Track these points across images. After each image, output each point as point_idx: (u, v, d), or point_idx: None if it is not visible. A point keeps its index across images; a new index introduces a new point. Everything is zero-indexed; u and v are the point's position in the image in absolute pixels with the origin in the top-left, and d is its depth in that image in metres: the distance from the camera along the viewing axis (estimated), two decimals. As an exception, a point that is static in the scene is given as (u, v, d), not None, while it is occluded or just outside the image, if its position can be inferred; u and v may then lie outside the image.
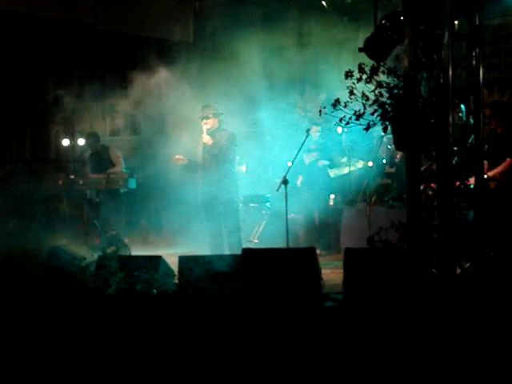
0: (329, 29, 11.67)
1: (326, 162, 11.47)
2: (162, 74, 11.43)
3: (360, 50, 6.70)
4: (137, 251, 10.73)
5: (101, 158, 11.40)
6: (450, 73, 6.17)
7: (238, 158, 10.23)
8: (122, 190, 10.96)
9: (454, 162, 6.29)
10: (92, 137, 12.00)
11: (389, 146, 10.99)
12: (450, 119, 6.17)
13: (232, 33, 11.65)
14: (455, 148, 6.29)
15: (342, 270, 6.84)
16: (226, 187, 9.19)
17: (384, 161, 11.25)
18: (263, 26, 12.46)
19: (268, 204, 11.58)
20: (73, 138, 32.07)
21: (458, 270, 6.34)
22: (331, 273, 7.90)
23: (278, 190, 9.28)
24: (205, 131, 9.21)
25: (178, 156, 9.38)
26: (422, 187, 6.45)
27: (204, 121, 9.25)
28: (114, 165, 11.23)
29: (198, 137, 9.39)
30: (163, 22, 13.14)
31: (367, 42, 6.72)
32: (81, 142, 31.73)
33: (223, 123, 9.40)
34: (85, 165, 11.80)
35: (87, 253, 9.20)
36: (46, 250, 8.56)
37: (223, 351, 5.05)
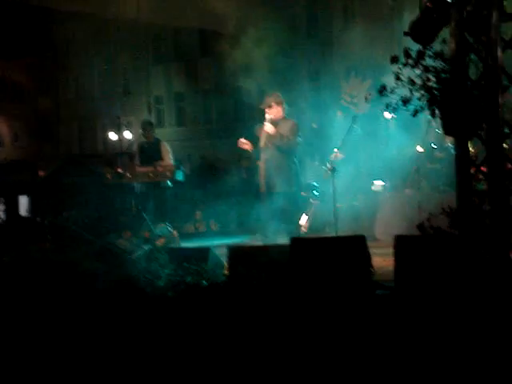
0: (373, 13, 11.54)
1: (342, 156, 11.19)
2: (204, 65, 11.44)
3: (405, 33, 6.57)
4: (186, 243, 10.80)
5: (151, 150, 11.41)
6: (499, 54, 6.00)
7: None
8: (169, 182, 11.00)
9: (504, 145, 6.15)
10: (147, 124, 12.07)
11: (437, 131, 10.81)
12: (500, 102, 6.03)
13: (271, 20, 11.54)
14: (506, 131, 6.15)
15: (392, 258, 6.76)
16: (288, 179, 9.02)
17: (433, 145, 11.06)
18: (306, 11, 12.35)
19: (316, 192, 11.49)
20: (119, 132, 32.49)
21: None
22: (382, 260, 7.80)
23: (325, 178, 9.21)
24: (267, 120, 9.08)
25: (243, 140, 9.20)
26: (472, 171, 6.33)
27: (267, 110, 9.10)
28: (162, 159, 11.26)
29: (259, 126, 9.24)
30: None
31: (412, 25, 6.60)
32: (127, 135, 32.18)
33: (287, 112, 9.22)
34: (133, 157, 11.86)
35: (137, 246, 9.29)
36: (97, 244, 8.66)
37: (274, 340, 5.04)
